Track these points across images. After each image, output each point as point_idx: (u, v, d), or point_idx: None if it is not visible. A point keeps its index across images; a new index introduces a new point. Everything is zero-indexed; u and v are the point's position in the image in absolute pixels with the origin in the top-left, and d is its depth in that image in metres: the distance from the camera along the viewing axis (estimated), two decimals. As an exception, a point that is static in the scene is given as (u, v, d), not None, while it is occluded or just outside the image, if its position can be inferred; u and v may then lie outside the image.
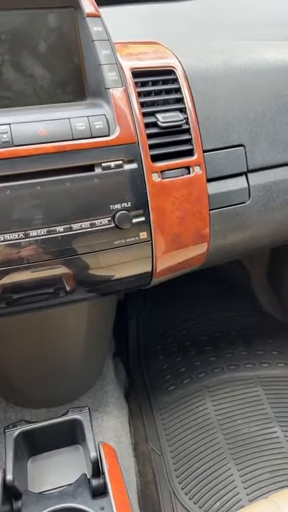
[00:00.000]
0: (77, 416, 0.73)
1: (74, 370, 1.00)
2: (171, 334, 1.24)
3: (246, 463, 0.90)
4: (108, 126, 0.61)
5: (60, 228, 0.60)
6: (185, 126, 0.66)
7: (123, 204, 0.62)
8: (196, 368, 1.11)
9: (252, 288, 1.38)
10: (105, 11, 0.65)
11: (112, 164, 0.61)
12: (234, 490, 0.87)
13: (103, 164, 0.61)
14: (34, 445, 0.75)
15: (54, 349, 0.93)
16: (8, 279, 0.60)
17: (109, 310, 1.04)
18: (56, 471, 0.74)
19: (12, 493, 0.66)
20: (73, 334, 0.93)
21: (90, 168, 0.61)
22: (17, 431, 0.71)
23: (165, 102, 0.67)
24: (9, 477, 0.65)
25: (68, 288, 0.63)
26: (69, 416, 0.74)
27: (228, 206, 0.69)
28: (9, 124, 0.58)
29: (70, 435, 0.76)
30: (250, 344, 1.17)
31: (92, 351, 1.00)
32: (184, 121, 0.66)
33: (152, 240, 0.65)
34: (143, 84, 0.66)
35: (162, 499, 0.90)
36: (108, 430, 1.01)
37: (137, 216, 0.63)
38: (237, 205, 0.69)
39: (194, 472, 0.91)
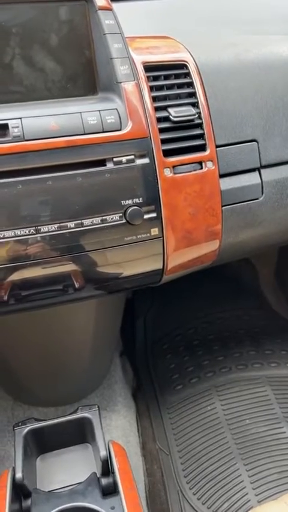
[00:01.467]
0: (87, 415, 0.73)
1: (81, 369, 1.00)
2: (178, 333, 1.23)
3: (255, 463, 0.89)
4: (120, 121, 0.60)
5: (71, 224, 0.59)
6: (197, 121, 0.65)
7: (134, 199, 0.61)
8: (204, 367, 1.10)
9: (261, 287, 1.37)
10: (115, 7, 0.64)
11: (124, 159, 0.60)
12: (243, 491, 0.86)
13: (115, 159, 0.60)
14: (43, 443, 0.75)
15: (62, 348, 0.92)
16: (17, 275, 0.59)
17: (117, 309, 1.04)
18: (65, 470, 0.74)
19: (22, 491, 0.66)
20: (81, 333, 0.92)
21: (101, 163, 0.60)
22: (26, 429, 0.71)
23: (178, 96, 0.66)
24: (18, 475, 0.64)
25: (77, 285, 0.63)
26: (79, 415, 0.73)
27: (241, 202, 0.68)
28: (20, 118, 0.57)
29: (79, 433, 0.76)
30: (258, 343, 1.16)
31: (100, 349, 0.99)
32: (197, 115, 0.65)
33: (163, 236, 0.64)
34: (155, 78, 0.65)
35: (170, 499, 0.89)
36: (117, 429, 1.01)
37: (148, 212, 0.62)
38: (250, 202, 0.68)
39: (202, 471, 0.90)
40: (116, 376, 1.13)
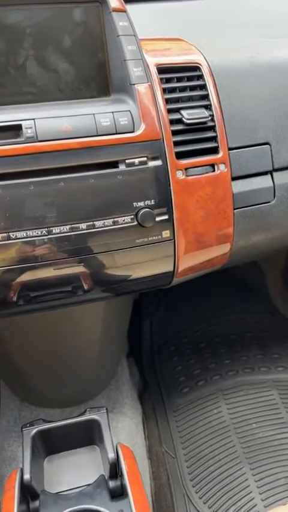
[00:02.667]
0: (95, 417, 0.73)
1: (89, 370, 1.00)
2: (185, 336, 1.23)
3: (262, 468, 0.89)
4: (133, 122, 0.60)
5: (83, 225, 0.59)
6: (210, 123, 0.65)
7: (146, 201, 0.61)
8: (211, 370, 1.10)
9: (268, 290, 1.36)
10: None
11: (136, 161, 0.60)
12: (250, 495, 0.85)
13: (127, 161, 0.60)
14: (51, 444, 0.75)
15: (69, 349, 0.92)
16: (28, 276, 0.59)
17: (125, 311, 1.03)
18: (73, 471, 0.74)
19: (29, 492, 0.66)
20: (89, 334, 0.92)
21: (114, 164, 0.60)
22: (35, 430, 0.71)
23: (190, 98, 0.66)
24: (26, 476, 0.64)
25: (87, 287, 0.63)
26: (87, 417, 0.73)
27: (253, 205, 0.67)
28: (34, 119, 0.57)
29: (87, 435, 0.76)
30: (265, 347, 1.16)
31: (107, 351, 0.99)
32: (209, 118, 0.65)
33: (174, 238, 0.64)
34: (168, 80, 0.65)
35: (176, 502, 0.88)
36: (123, 431, 1.00)
37: (160, 214, 0.62)
38: (262, 205, 0.68)
39: (208, 475, 0.90)
40: (123, 378, 1.13)
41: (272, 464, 0.89)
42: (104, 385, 1.09)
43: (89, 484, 0.67)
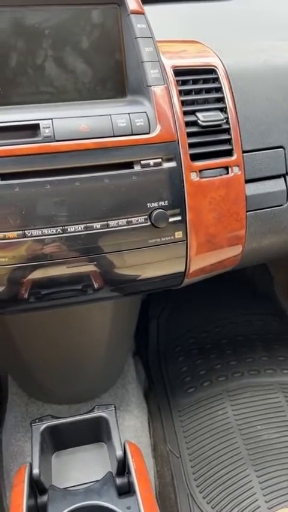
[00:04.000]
0: (103, 414, 0.73)
1: (96, 368, 1.00)
2: (191, 336, 1.23)
3: (266, 470, 0.89)
4: (149, 124, 0.61)
5: (97, 225, 0.60)
6: (225, 126, 0.65)
7: (160, 202, 0.61)
8: (216, 371, 1.10)
9: (275, 292, 1.36)
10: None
11: (151, 162, 0.61)
12: (253, 497, 0.86)
13: (142, 162, 0.60)
14: (59, 440, 0.75)
15: (78, 347, 0.93)
16: (41, 274, 0.60)
17: (134, 310, 1.04)
18: (80, 468, 0.74)
19: (38, 487, 0.66)
20: (97, 332, 0.93)
21: (129, 165, 0.60)
22: (44, 426, 0.71)
23: (206, 101, 0.66)
24: (35, 471, 0.65)
25: (99, 285, 0.63)
26: (95, 414, 0.74)
27: (266, 208, 0.68)
28: (52, 119, 0.58)
29: (95, 432, 0.76)
30: (271, 349, 1.16)
31: (115, 349, 1.00)
32: (224, 120, 0.65)
33: (187, 239, 0.64)
34: (184, 82, 0.65)
35: (180, 502, 0.89)
36: (129, 429, 1.01)
37: (173, 215, 0.62)
38: (275, 208, 0.68)
39: (212, 476, 0.90)
40: (130, 376, 1.14)
41: (277, 466, 0.89)
42: (110, 383, 1.09)
43: (96, 481, 0.68)
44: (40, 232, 0.58)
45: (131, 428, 1.02)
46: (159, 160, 0.61)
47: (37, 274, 0.60)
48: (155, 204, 0.61)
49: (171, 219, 0.62)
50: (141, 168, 0.60)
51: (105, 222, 0.60)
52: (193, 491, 0.89)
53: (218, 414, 1.00)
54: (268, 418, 0.98)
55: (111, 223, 0.60)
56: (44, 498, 0.65)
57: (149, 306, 1.33)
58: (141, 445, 0.99)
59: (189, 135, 0.63)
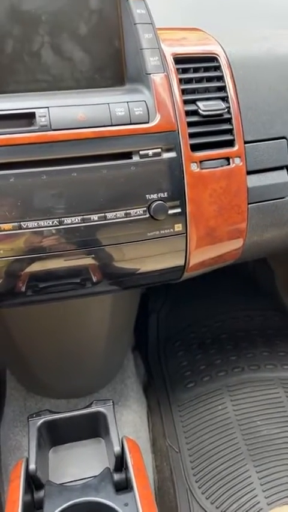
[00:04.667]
0: (101, 409, 0.72)
1: (95, 363, 1.00)
2: (191, 331, 1.22)
3: (266, 466, 0.88)
4: (148, 113, 0.59)
5: (95, 217, 0.58)
6: (226, 116, 0.64)
7: (159, 194, 0.60)
8: (216, 366, 1.09)
9: (276, 287, 1.35)
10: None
11: (150, 152, 0.59)
12: (252, 493, 0.85)
13: (141, 152, 0.59)
14: (56, 435, 0.75)
15: (77, 341, 0.92)
16: (38, 267, 0.59)
17: (133, 304, 1.03)
18: (77, 463, 0.74)
19: (34, 482, 0.66)
20: (96, 326, 0.92)
21: (127, 155, 0.59)
22: (41, 421, 0.71)
23: (207, 90, 0.65)
24: (32, 466, 0.64)
25: (97, 278, 0.62)
26: (93, 409, 0.73)
27: (267, 200, 0.66)
28: (48, 107, 0.57)
29: (92, 428, 0.76)
30: (272, 345, 1.15)
31: (114, 343, 0.99)
32: (226, 110, 0.64)
33: (186, 232, 0.63)
34: (184, 70, 0.64)
35: (179, 497, 0.89)
36: (128, 424, 1.00)
37: (173, 207, 0.61)
38: (277, 200, 0.67)
39: (211, 471, 0.90)
40: (129, 371, 1.13)
41: (276, 462, 0.89)
42: (109, 378, 1.09)
43: (93, 476, 0.67)
44: (36, 224, 0.56)
45: (130, 423, 1.01)
46: (159, 150, 0.59)
47: (34, 267, 0.59)
48: (154, 196, 0.60)
49: (170, 211, 0.61)
50: (140, 158, 0.59)
51: (103, 214, 0.59)
52: (192, 487, 0.89)
53: (217, 409, 0.99)
54: (268, 413, 0.98)
55: (109, 215, 0.59)
56: (41, 494, 0.65)
57: (149, 300, 1.32)
58: (140, 440, 0.99)
59: (190, 124, 0.62)
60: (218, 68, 0.65)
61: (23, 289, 0.60)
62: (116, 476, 0.66)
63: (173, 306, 1.32)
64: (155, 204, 0.59)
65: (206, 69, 0.65)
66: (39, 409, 0.99)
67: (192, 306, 1.31)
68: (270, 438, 0.93)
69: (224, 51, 0.66)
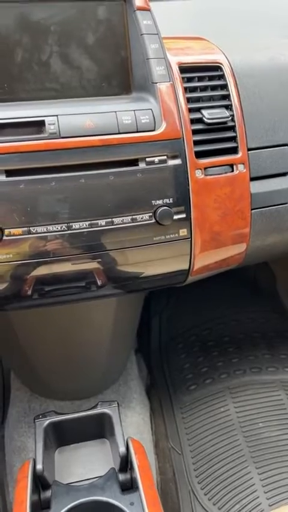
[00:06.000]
0: (107, 411, 0.73)
1: (99, 365, 1.01)
2: (193, 333, 1.23)
3: (267, 467, 0.89)
4: (154, 121, 0.60)
5: (102, 222, 0.60)
6: (230, 123, 0.65)
7: (165, 200, 0.61)
8: (218, 368, 1.10)
9: (278, 290, 1.36)
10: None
11: (156, 159, 0.60)
12: (254, 494, 0.86)
13: (147, 159, 0.60)
14: (62, 436, 0.76)
15: (80, 343, 0.93)
16: (45, 270, 0.60)
17: (136, 307, 1.04)
18: (83, 463, 0.75)
19: (41, 482, 0.67)
20: (100, 329, 0.93)
21: (134, 162, 0.60)
22: (47, 422, 0.72)
23: (211, 98, 0.66)
24: (39, 467, 0.65)
25: (102, 282, 0.63)
26: (99, 410, 0.74)
27: (270, 206, 0.68)
28: (57, 115, 0.58)
29: (98, 429, 0.77)
30: (274, 347, 1.16)
31: (117, 346, 1.00)
32: (230, 118, 0.65)
33: (191, 237, 0.64)
34: (189, 79, 0.65)
35: (182, 498, 0.89)
36: (131, 425, 1.01)
37: (178, 213, 0.62)
38: (280, 206, 0.68)
39: (213, 473, 0.91)
40: (132, 373, 1.14)
41: (278, 464, 0.89)
42: (113, 380, 1.09)
43: (99, 477, 0.68)
44: (45, 229, 0.58)
45: (133, 424, 1.02)
46: (165, 157, 0.61)
47: (41, 271, 0.60)
48: (160, 202, 0.61)
49: (175, 217, 0.62)
50: (146, 165, 0.60)
51: (110, 219, 0.60)
52: (195, 488, 0.89)
53: (219, 411, 1.00)
54: (270, 415, 0.98)
55: (116, 220, 0.60)
56: (48, 493, 0.66)
57: (151, 302, 1.33)
58: (143, 442, 0.99)
59: (195, 132, 0.63)
60: (222, 76, 0.67)
61: (30, 292, 0.61)
62: (121, 477, 0.67)
63: (175, 309, 1.33)
64: (160, 210, 0.61)
65: (211, 78, 0.67)
66: (43, 410, 0.99)
67: (194, 309, 1.32)
68: (271, 440, 0.94)
69: (228, 60, 0.68)
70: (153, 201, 0.61)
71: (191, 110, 0.64)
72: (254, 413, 0.99)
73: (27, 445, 0.97)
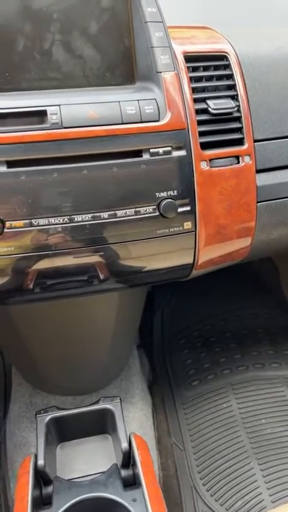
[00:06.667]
0: (109, 406, 0.73)
1: (101, 360, 1.00)
2: (196, 329, 1.23)
3: (270, 464, 0.89)
4: (159, 111, 0.59)
5: (105, 214, 0.58)
6: (236, 114, 0.64)
7: (169, 192, 0.60)
8: (221, 364, 1.10)
9: (281, 286, 1.35)
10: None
11: (160, 150, 0.59)
12: (257, 490, 0.86)
13: (151, 150, 0.59)
14: (64, 431, 0.75)
15: (83, 338, 0.93)
16: (47, 264, 0.59)
17: (139, 302, 1.03)
18: (85, 459, 0.74)
19: (43, 478, 0.66)
20: (102, 324, 0.92)
21: (138, 153, 0.59)
22: (49, 417, 0.71)
23: (217, 88, 0.65)
24: (40, 462, 0.64)
25: (105, 276, 0.62)
26: (101, 406, 0.73)
27: (277, 199, 0.66)
28: (59, 105, 0.57)
29: (100, 424, 0.76)
30: (277, 343, 1.15)
31: (120, 341, 0.99)
32: (236, 109, 0.64)
33: (196, 230, 0.63)
34: (195, 69, 0.64)
35: (184, 494, 0.89)
36: (134, 421, 1.01)
37: (182, 205, 0.61)
38: (286, 199, 0.67)
39: (216, 469, 0.90)
40: (134, 369, 1.14)
41: (280, 460, 0.89)
42: (115, 375, 1.09)
43: (101, 472, 0.67)
44: (47, 221, 0.57)
45: (135, 420, 1.01)
46: (169, 148, 0.60)
47: (43, 264, 0.59)
48: (164, 194, 0.60)
49: (180, 209, 0.61)
50: (150, 156, 0.59)
51: (113, 212, 0.59)
52: (197, 484, 0.89)
53: (222, 407, 1.00)
54: (272, 412, 0.98)
55: (119, 213, 0.59)
56: (49, 489, 0.65)
57: (154, 297, 1.32)
58: (145, 437, 0.99)
59: (200, 123, 0.62)
60: (227, 66, 0.65)
61: (31, 286, 0.60)
62: (124, 473, 0.67)
63: (178, 304, 1.32)
64: (164, 202, 0.59)
65: (216, 68, 0.65)
66: (45, 405, 0.99)
67: (197, 304, 1.31)
68: (274, 436, 0.94)
69: (234, 50, 0.66)
70: (157, 193, 0.60)
71: (196, 100, 0.62)
72: (257, 409, 0.98)
73: (29, 441, 0.96)
